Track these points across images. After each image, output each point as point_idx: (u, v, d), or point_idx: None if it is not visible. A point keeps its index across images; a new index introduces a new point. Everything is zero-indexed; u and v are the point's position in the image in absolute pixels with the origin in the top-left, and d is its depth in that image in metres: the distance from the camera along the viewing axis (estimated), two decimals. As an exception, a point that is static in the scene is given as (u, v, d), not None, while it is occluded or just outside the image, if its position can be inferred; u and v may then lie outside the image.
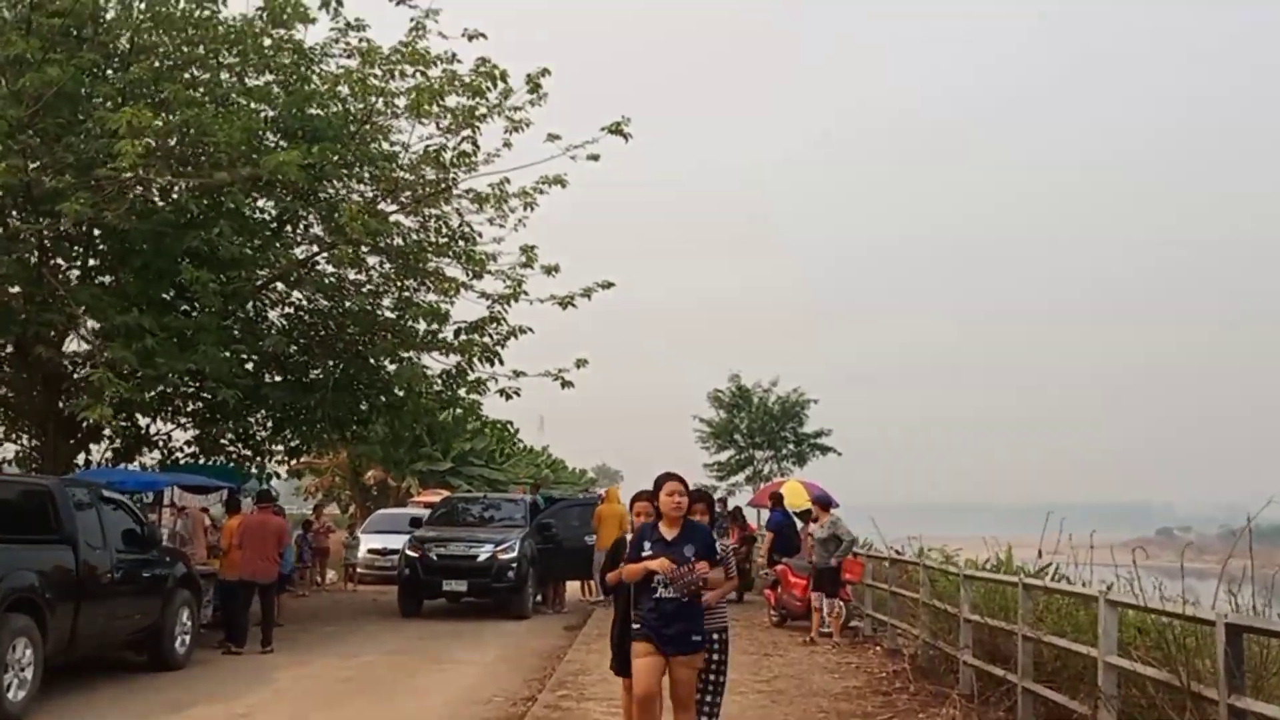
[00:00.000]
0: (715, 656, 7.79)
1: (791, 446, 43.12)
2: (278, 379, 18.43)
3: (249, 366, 18.36)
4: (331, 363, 18.29)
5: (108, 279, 16.66)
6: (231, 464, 19.46)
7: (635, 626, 7.01)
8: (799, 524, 18.26)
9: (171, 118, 14.16)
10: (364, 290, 18.57)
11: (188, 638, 12.94)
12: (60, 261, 16.27)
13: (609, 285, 18.45)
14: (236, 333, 16.68)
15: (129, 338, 14.51)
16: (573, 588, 22.03)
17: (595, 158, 17.57)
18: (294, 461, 21.43)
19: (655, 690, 6.88)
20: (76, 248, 16.46)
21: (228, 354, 16.09)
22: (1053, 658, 8.97)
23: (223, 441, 19.39)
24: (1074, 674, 8.58)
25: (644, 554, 6.92)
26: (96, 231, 15.85)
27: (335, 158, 16.30)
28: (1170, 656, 7.28)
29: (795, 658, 13.28)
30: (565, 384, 18.53)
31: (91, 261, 16.81)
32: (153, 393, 15.46)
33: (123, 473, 15.08)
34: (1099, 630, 7.53)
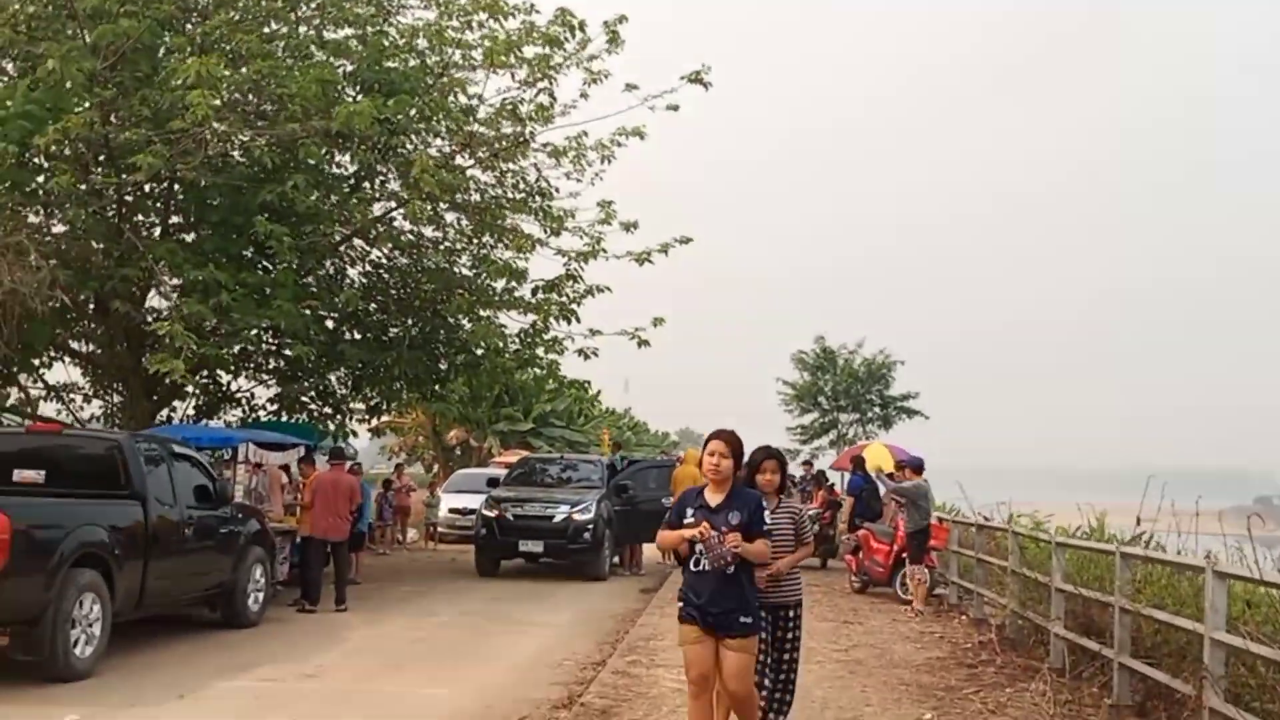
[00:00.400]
0: (788, 634, 7.01)
1: (877, 409, 42.32)
2: (355, 336, 18.35)
3: (327, 324, 18.40)
4: (409, 320, 18.13)
5: (188, 235, 16.67)
6: (311, 421, 19.48)
7: (679, 605, 6.24)
8: (881, 488, 17.72)
9: (244, 70, 13.99)
10: (441, 247, 18.37)
11: (261, 595, 12.88)
12: (140, 217, 16.26)
13: (687, 241, 18.01)
14: (314, 289, 16.55)
15: (206, 293, 14.46)
16: (650, 550, 21.72)
17: (675, 108, 17.13)
18: (374, 420, 21.35)
19: (709, 679, 6.07)
20: (155, 203, 16.45)
21: (306, 311, 15.98)
22: (1152, 632, 8.38)
23: (303, 399, 19.49)
24: (1176, 650, 7.99)
25: (686, 520, 6.08)
26: (176, 186, 15.82)
27: (412, 111, 16.05)
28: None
29: (876, 626, 12.82)
30: (642, 343, 18.19)
31: (173, 218, 16.82)
32: (230, 349, 15.41)
33: (198, 429, 15.07)
34: (1205, 604, 6.95)
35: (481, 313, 18.02)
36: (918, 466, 15.14)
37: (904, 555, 14.86)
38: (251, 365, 18.17)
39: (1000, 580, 12.62)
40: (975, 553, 13.28)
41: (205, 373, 17.07)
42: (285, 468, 16.14)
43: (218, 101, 12.69)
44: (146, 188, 15.66)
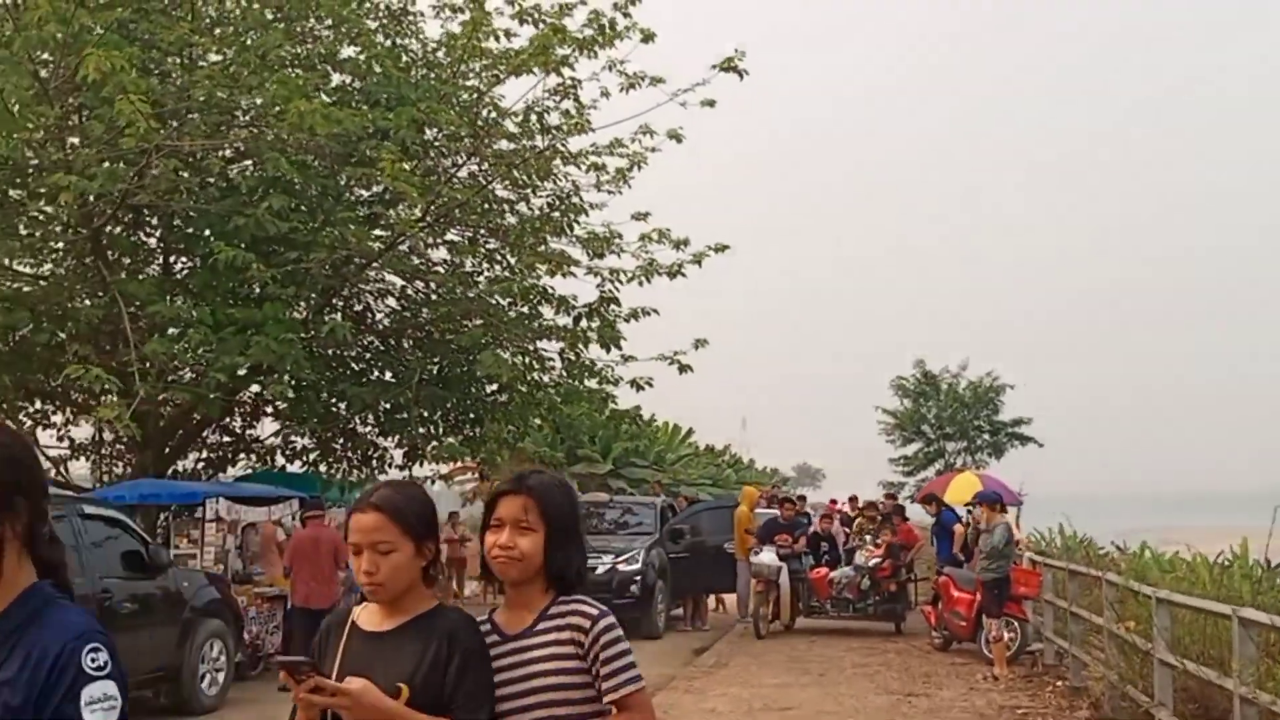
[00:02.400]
0: None
1: (986, 436, 39.26)
2: (357, 373, 16.73)
3: (351, 365, 16.86)
4: (424, 355, 16.37)
5: (169, 266, 15.24)
6: (331, 472, 17.88)
7: None
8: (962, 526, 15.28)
9: (194, 73, 12.42)
10: (458, 273, 16.57)
11: (220, 675, 11.08)
12: (113, 253, 14.78)
13: (723, 249, 15.90)
14: (307, 322, 14.85)
15: (186, 329, 12.90)
16: (729, 601, 19.51)
17: (711, 103, 15.09)
18: (413, 468, 19.47)
19: None
20: (128, 233, 14.99)
21: (297, 346, 14.29)
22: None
23: (334, 446, 17.90)
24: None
25: None
26: (146, 214, 14.35)
27: (430, 130, 14.39)
28: None
29: (948, 698, 10.43)
30: (683, 369, 16.08)
31: (152, 248, 15.37)
32: (209, 392, 13.76)
33: (155, 484, 13.36)
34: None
35: (498, 343, 16.13)
36: (993, 502, 12.75)
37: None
38: (247, 410, 16.56)
39: (1097, 642, 10.14)
40: (1069, 604, 10.72)
41: (196, 419, 15.52)
42: (278, 523, 14.37)
43: (146, 110, 11.00)
44: (120, 215, 14.17)
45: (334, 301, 15.95)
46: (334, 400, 15.96)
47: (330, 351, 15.74)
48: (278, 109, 12.31)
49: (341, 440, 17.76)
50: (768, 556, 15.75)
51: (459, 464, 29.64)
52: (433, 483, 19.87)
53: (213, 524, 12.45)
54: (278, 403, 16.36)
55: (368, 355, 17.04)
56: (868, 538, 17.39)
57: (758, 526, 17.19)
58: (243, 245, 13.25)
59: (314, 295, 14.49)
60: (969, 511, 16.53)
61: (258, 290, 14.35)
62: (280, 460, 17.83)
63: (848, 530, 19.13)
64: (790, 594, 16.00)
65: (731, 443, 72.59)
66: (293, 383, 14.27)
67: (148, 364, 12.60)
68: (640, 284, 16.61)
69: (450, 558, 22.82)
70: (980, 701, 10.17)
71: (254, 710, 10.94)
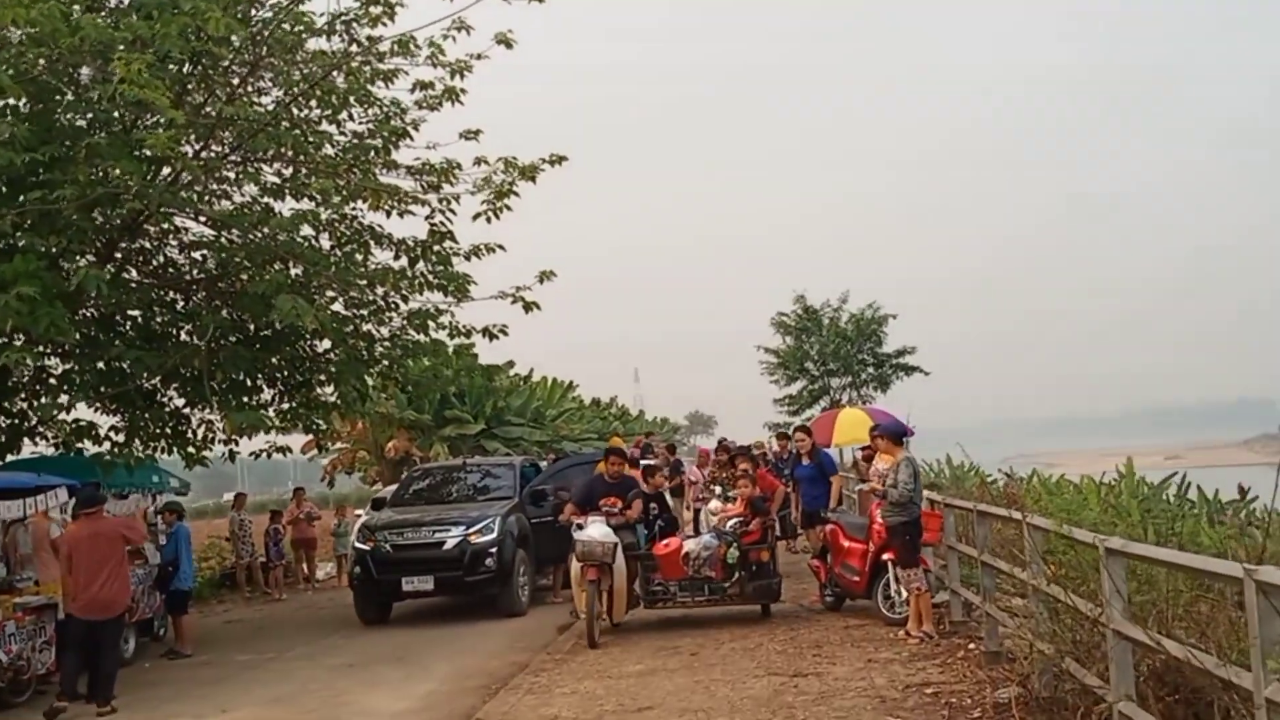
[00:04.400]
0: None
1: (871, 370, 37.91)
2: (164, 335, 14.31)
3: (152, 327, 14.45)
4: (217, 307, 14.02)
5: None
6: (149, 453, 15.48)
7: None
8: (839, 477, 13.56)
9: None
10: (255, 211, 14.17)
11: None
12: None
13: (560, 160, 13.80)
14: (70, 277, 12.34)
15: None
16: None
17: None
18: (239, 442, 16.92)
19: None
20: None
21: (65, 307, 11.84)
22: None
23: (143, 423, 15.38)
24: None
25: None
26: None
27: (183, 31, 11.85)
28: None
29: (841, 677, 8.61)
30: (528, 306, 14.04)
31: None
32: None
33: None
34: None
35: (314, 289, 13.85)
36: (897, 435, 10.97)
37: (885, 557, 10.69)
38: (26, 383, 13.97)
39: (1019, 595, 8.42)
40: (979, 551, 8.94)
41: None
42: (45, 514, 11.93)
43: None
44: None
45: (116, 254, 13.45)
46: (118, 367, 13.54)
47: (107, 311, 13.31)
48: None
49: (147, 415, 15.25)
50: (597, 530, 11.40)
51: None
52: (284, 454, 17.35)
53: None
54: (48, 377, 13.89)
55: (162, 314, 14.62)
56: (716, 489, 14.95)
57: (575, 487, 13.37)
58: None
59: (68, 241, 11.91)
60: (858, 453, 14.76)
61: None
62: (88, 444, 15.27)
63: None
64: (626, 579, 11.75)
65: (618, 395, 71.02)
66: (49, 350, 11.88)
67: None
68: (488, 220, 14.58)
69: (296, 539, 20.53)
70: (880, 679, 8.38)
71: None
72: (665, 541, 12.08)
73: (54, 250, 11.99)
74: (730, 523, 12.21)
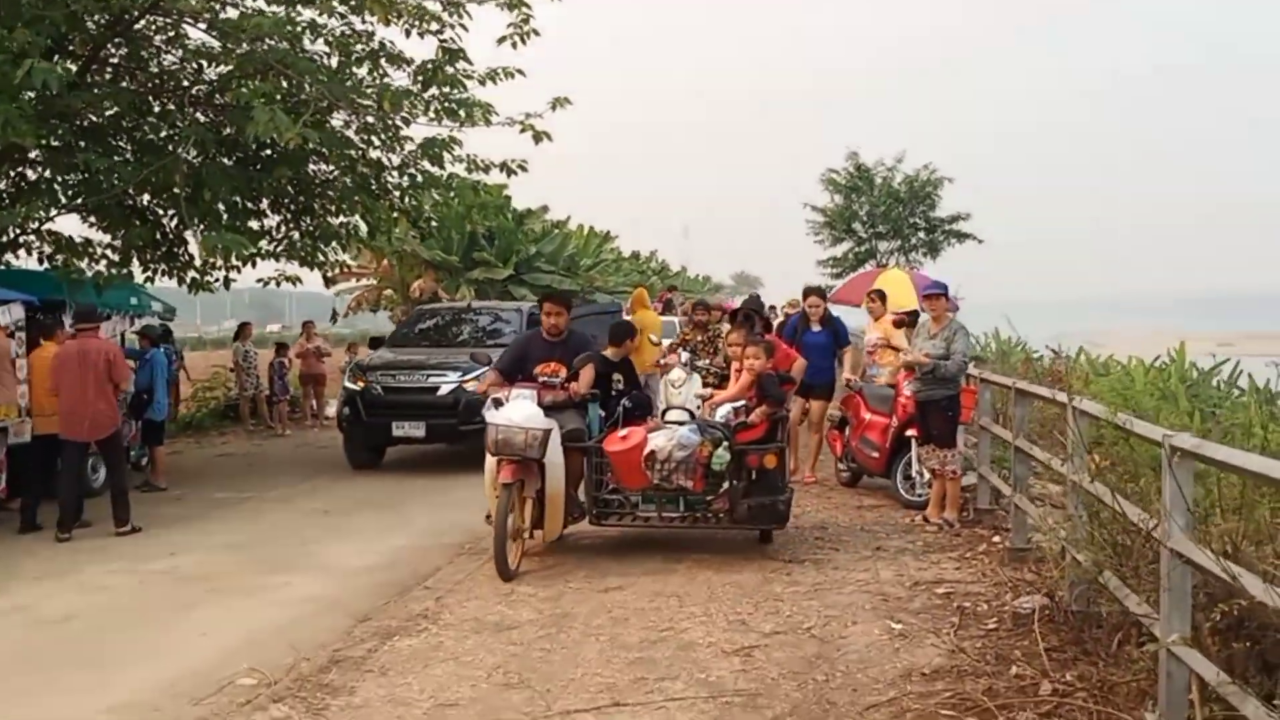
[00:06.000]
0: None
1: (922, 234, 36.28)
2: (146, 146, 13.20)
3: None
4: (194, 115, 12.88)
5: None
6: (149, 276, 14.68)
7: None
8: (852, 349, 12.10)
9: None
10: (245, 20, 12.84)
11: None
12: None
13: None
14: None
15: None
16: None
17: None
18: (228, 270, 15.83)
19: None
20: None
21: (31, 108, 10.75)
22: None
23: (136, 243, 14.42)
24: None
25: None
26: None
27: None
28: None
29: (841, 567, 7.59)
30: (538, 136, 12.75)
31: None
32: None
33: None
34: None
35: (310, 107, 12.59)
36: (945, 292, 9.49)
37: (909, 434, 9.57)
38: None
39: (1057, 490, 7.30)
40: (1014, 435, 7.78)
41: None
42: (8, 331, 11.04)
43: None
44: None
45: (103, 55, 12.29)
46: (94, 177, 12.48)
47: (82, 117, 12.20)
48: None
49: (139, 234, 14.27)
50: (519, 410, 7.82)
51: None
52: (293, 284, 16.43)
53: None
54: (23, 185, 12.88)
55: (142, 123, 13.50)
56: (683, 353, 11.41)
57: (502, 352, 9.55)
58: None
59: (35, 36, 10.70)
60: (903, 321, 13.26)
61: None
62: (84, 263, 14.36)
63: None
64: (566, 480, 8.20)
65: (658, 250, 69.60)
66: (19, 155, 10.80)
67: None
68: (514, 45, 13.24)
69: (304, 373, 19.75)
70: (887, 573, 7.35)
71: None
72: (623, 432, 8.18)
73: (15, 48, 10.83)
74: (722, 410, 8.64)
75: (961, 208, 37.10)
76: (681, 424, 8.12)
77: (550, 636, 6.24)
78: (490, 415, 7.87)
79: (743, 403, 8.61)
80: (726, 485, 7.91)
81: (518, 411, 7.76)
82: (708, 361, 11.19)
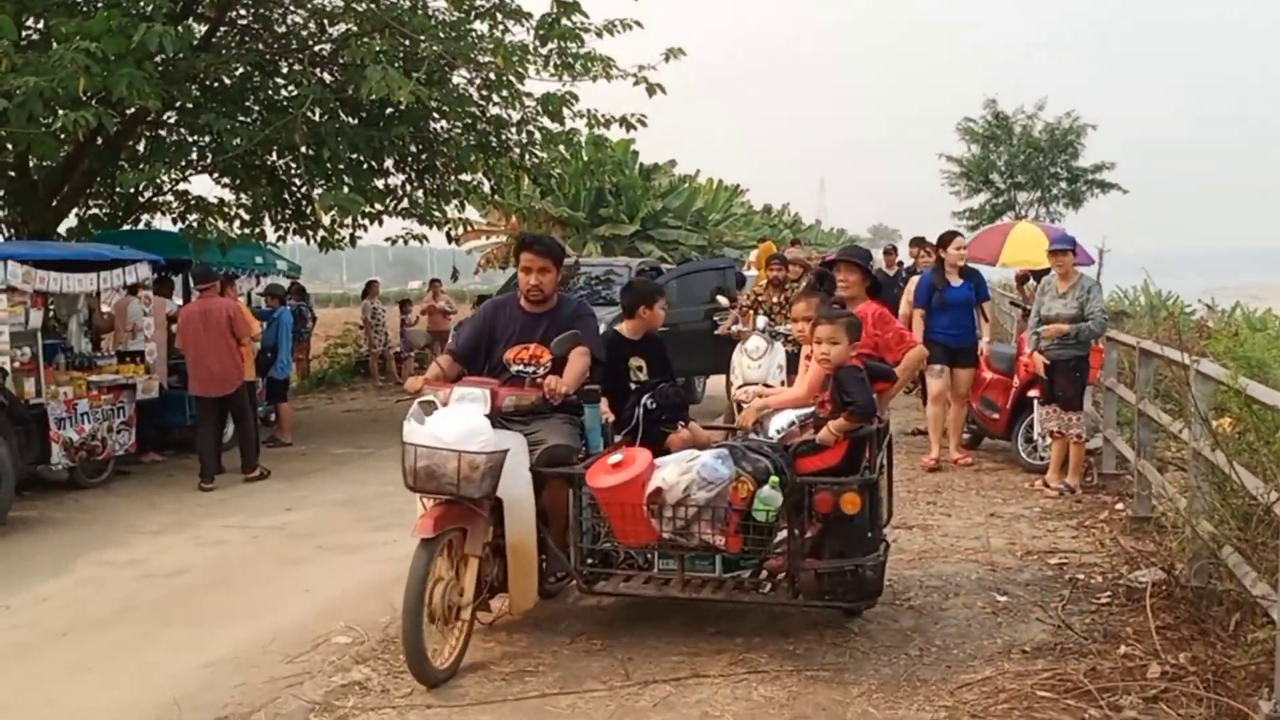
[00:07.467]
0: None
1: (1063, 185, 34.99)
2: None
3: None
4: (313, 75, 13.05)
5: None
6: (280, 236, 15.10)
7: None
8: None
9: None
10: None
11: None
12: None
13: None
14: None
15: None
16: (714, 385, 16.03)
17: None
18: (353, 229, 16.09)
19: None
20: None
21: (154, 70, 11.01)
22: None
23: (266, 202, 14.81)
24: None
25: None
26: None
27: None
28: None
29: (954, 531, 7.31)
30: (651, 88, 12.56)
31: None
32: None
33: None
34: None
35: (427, 63, 12.63)
36: (1073, 246, 8.96)
37: (1031, 395, 9.17)
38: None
39: (1179, 457, 6.88)
40: (1138, 399, 7.37)
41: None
42: (135, 289, 11.39)
43: None
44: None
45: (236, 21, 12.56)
46: (218, 139, 12.78)
47: (205, 77, 12.48)
48: None
49: (267, 194, 14.64)
50: (455, 422, 5.01)
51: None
52: (420, 242, 16.74)
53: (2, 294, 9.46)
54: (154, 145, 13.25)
55: (264, 83, 13.77)
56: (760, 318, 10.12)
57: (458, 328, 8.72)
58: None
59: (174, 2, 10.98)
60: (1029, 277, 12.54)
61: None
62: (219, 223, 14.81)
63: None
64: (533, 525, 5.38)
65: (789, 203, 68.67)
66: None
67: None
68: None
69: (432, 330, 20.06)
70: (999, 540, 7.05)
71: (30, 536, 8.30)
72: (616, 457, 5.20)
73: (140, 10, 11.09)
74: (778, 420, 5.76)
75: (1107, 156, 35.64)
76: (718, 446, 5.26)
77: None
78: (409, 431, 5.07)
79: (810, 410, 5.60)
80: (779, 539, 5.11)
81: (451, 425, 4.95)
82: (787, 328, 9.17)
